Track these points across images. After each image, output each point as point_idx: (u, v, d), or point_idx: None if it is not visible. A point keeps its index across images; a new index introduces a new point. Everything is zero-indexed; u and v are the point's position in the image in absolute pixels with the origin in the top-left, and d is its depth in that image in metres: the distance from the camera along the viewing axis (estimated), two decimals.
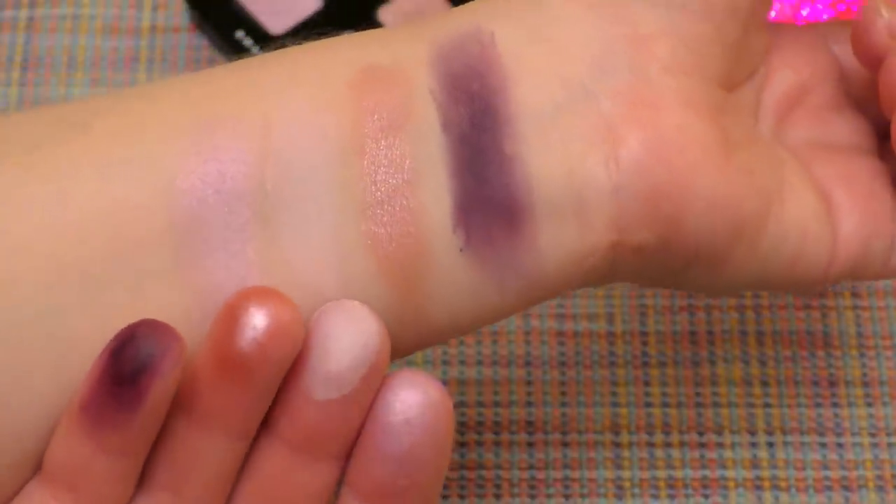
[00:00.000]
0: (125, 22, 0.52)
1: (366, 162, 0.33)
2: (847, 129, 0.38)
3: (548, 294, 0.34)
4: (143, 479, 0.32)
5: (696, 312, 0.48)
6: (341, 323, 0.31)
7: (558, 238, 0.33)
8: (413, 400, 0.32)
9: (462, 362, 0.47)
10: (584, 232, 0.33)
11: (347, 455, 0.32)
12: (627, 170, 0.33)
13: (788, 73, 0.38)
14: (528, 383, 0.47)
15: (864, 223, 0.37)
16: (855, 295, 0.48)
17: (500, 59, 0.34)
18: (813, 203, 0.36)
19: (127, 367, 0.30)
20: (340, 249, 0.32)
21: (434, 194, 0.33)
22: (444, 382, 0.47)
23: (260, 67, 0.34)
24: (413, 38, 0.34)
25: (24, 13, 0.52)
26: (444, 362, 0.47)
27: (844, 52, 0.38)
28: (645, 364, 0.47)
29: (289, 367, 0.31)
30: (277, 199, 0.32)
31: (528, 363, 0.47)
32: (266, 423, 0.32)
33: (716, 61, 0.35)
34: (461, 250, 0.33)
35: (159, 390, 0.31)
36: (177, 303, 0.32)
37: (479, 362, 0.47)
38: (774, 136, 0.37)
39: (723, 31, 0.35)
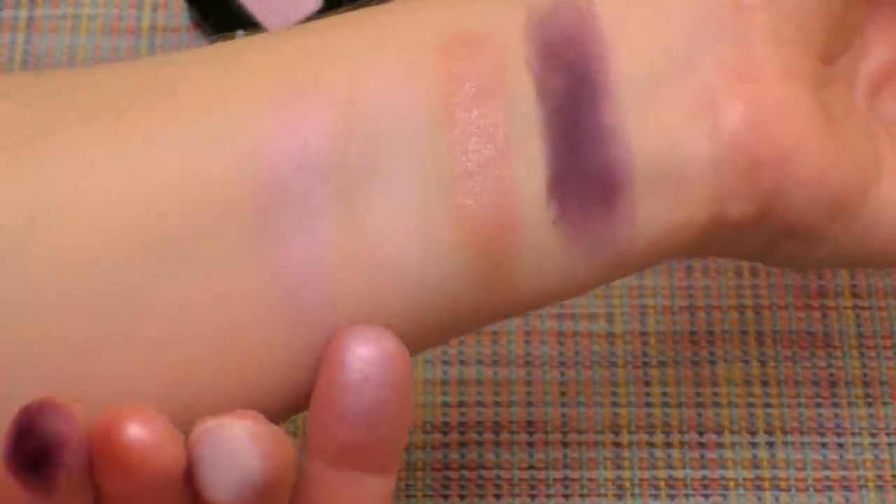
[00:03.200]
0: (125, 22, 0.52)
1: (457, 131, 0.32)
2: None
3: (639, 267, 0.34)
4: None
5: (696, 312, 0.48)
6: (221, 453, 0.30)
7: (655, 212, 0.33)
8: (370, 355, 0.31)
9: (462, 362, 0.47)
10: (683, 205, 0.33)
11: None
12: (729, 142, 0.33)
13: (883, 47, 0.37)
14: (528, 383, 0.47)
15: None
16: (855, 295, 0.48)
17: (598, 25, 0.33)
18: None
19: (28, 460, 0.29)
20: (425, 221, 0.32)
21: (527, 165, 0.32)
22: (444, 382, 0.47)
23: (346, 29, 0.33)
24: (506, 2, 0.33)
25: (24, 13, 0.52)
26: (444, 362, 0.47)
27: None
28: (645, 364, 0.47)
29: (180, 475, 0.30)
30: (361, 172, 0.31)
31: (528, 363, 0.47)
32: None
33: (818, 34, 0.34)
34: (554, 223, 0.32)
35: (66, 478, 0.29)
36: (251, 280, 0.31)
37: (479, 362, 0.47)
38: (867, 108, 0.37)
39: (825, 3, 0.34)
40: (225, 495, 0.30)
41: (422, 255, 0.32)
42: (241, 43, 0.33)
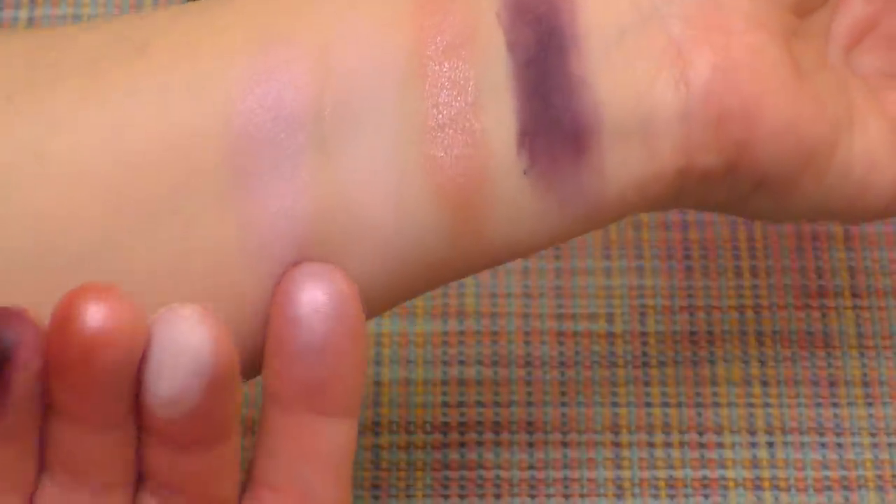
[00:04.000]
0: None
1: (427, 84, 0.32)
2: None
3: (609, 219, 0.34)
4: (42, 459, 0.31)
5: (696, 312, 0.48)
6: (169, 338, 0.29)
7: (624, 162, 0.33)
8: (318, 290, 0.31)
9: (462, 362, 0.47)
10: (651, 156, 0.33)
11: (233, 433, 0.31)
12: (697, 93, 0.33)
13: (860, 2, 0.37)
14: (528, 383, 0.47)
15: None
16: (855, 295, 0.48)
17: None
18: (884, 133, 0.36)
19: None
20: (398, 174, 0.32)
21: (498, 117, 0.32)
22: (444, 382, 0.47)
23: None
24: None
25: (24, 13, 0.52)
26: (444, 362, 0.47)
27: None
28: (645, 364, 0.47)
29: (135, 366, 0.30)
30: (335, 124, 0.32)
31: (528, 363, 0.47)
32: (138, 418, 0.31)
33: None
34: (525, 173, 0.32)
35: (22, 380, 0.29)
36: (230, 233, 0.31)
37: (479, 362, 0.47)
38: (844, 64, 0.37)
39: None
40: (171, 386, 0.29)
41: (395, 206, 0.32)
42: (213, 1, 0.33)
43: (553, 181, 0.32)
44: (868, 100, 0.36)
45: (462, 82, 0.32)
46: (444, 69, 0.32)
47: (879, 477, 0.45)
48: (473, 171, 0.32)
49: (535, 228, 0.33)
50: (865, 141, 0.35)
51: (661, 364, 0.47)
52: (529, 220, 0.33)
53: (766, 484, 0.45)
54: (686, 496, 0.45)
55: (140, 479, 0.32)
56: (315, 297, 0.31)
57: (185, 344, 0.29)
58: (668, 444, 0.46)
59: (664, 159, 0.33)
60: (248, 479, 0.33)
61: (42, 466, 0.31)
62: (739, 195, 0.35)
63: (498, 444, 0.46)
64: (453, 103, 0.32)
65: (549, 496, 0.45)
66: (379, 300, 0.33)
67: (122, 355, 0.29)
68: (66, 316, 0.29)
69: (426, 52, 0.32)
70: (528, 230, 0.33)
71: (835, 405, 0.46)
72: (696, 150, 0.33)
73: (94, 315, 0.29)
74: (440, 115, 0.32)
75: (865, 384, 0.47)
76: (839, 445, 0.46)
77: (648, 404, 0.46)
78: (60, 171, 0.31)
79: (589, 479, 0.45)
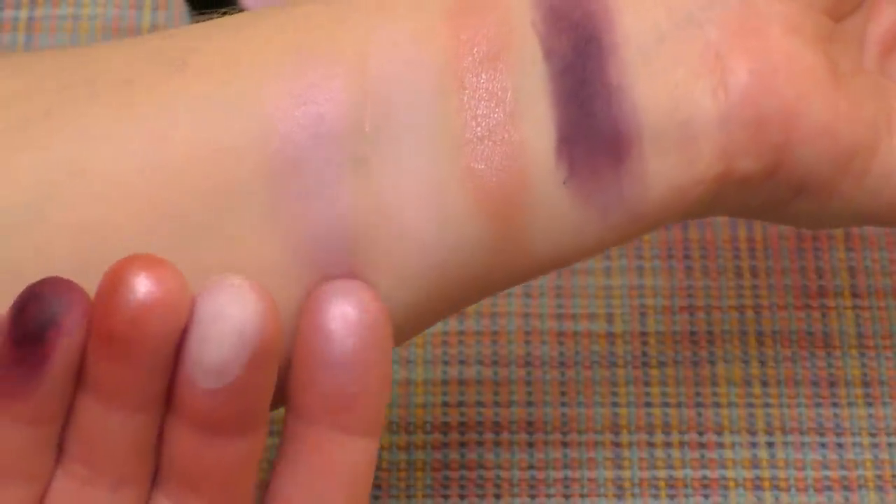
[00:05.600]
0: (125, 22, 0.52)
1: (465, 96, 0.32)
2: None
3: (651, 225, 0.34)
4: (60, 451, 0.31)
5: (696, 312, 0.48)
6: (217, 306, 0.30)
7: (664, 169, 0.33)
8: (350, 305, 0.31)
9: (462, 362, 0.47)
10: (691, 163, 0.33)
11: (262, 424, 0.31)
12: (735, 98, 0.33)
13: (893, 7, 0.37)
14: (528, 383, 0.47)
15: None
16: (855, 295, 0.48)
17: None
18: None
19: (31, 326, 0.29)
20: (438, 187, 0.32)
21: (536, 127, 0.32)
22: (444, 382, 0.47)
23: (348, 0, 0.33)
24: None
25: (24, 13, 0.52)
26: (444, 362, 0.47)
27: None
28: (645, 364, 0.47)
29: (178, 340, 0.30)
30: (374, 139, 0.32)
31: (528, 363, 0.47)
32: (170, 399, 0.31)
33: None
34: (564, 183, 0.32)
35: (65, 349, 0.29)
36: (272, 252, 0.31)
37: (479, 362, 0.47)
38: (879, 69, 0.37)
39: None
40: (217, 353, 0.30)
41: (436, 221, 0.32)
42: (247, 15, 0.33)
43: (593, 190, 0.32)
44: None
45: (500, 93, 0.32)
46: (482, 80, 0.32)
47: (879, 477, 0.45)
48: (513, 183, 0.32)
49: (577, 237, 0.33)
50: None
51: (661, 364, 0.47)
52: (571, 229, 0.33)
53: (766, 484, 0.45)
54: (686, 496, 0.45)
55: (154, 482, 0.32)
56: (345, 310, 0.31)
57: (235, 311, 0.29)
58: (668, 444, 0.46)
59: (704, 165, 0.33)
60: (264, 491, 0.33)
61: (58, 458, 0.31)
62: (779, 200, 0.35)
63: (498, 444, 0.46)
64: (491, 115, 0.32)
65: (549, 496, 0.45)
66: (423, 315, 0.33)
67: (168, 325, 0.29)
68: (113, 285, 0.29)
69: (463, 64, 0.32)
70: (569, 239, 0.33)
71: (835, 405, 0.46)
72: (735, 155, 0.33)
73: (143, 283, 0.29)
74: (479, 127, 0.32)
75: (865, 384, 0.47)
76: (839, 445, 0.46)
77: (648, 404, 0.46)
78: (99, 186, 0.31)
79: (589, 479, 0.45)
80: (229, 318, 0.29)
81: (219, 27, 0.33)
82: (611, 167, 0.32)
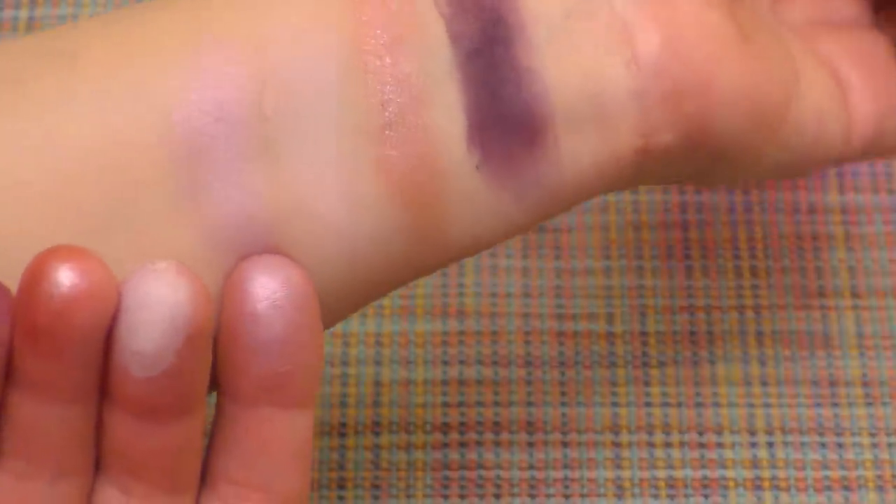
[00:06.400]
0: None
1: (370, 80, 0.31)
2: (843, 2, 0.38)
3: (571, 203, 0.33)
4: None
5: (695, 312, 0.48)
6: (146, 292, 0.29)
7: (580, 148, 0.32)
8: (274, 283, 0.30)
9: (462, 362, 0.47)
10: (607, 140, 0.32)
11: (200, 405, 0.31)
12: (647, 70, 0.32)
13: None
14: (528, 383, 0.47)
15: (877, 100, 0.36)
16: (855, 295, 0.48)
17: None
18: (826, 83, 0.35)
19: None
20: (348, 173, 0.31)
21: (446, 112, 0.32)
22: (444, 382, 0.47)
23: None
24: None
25: (24, 13, 0.52)
26: (444, 362, 0.47)
27: None
28: (645, 364, 0.47)
29: (107, 329, 0.29)
30: (279, 124, 0.31)
31: (528, 363, 0.47)
32: (105, 388, 0.30)
33: None
34: (477, 168, 0.32)
35: None
36: (184, 241, 0.31)
37: (479, 362, 0.47)
38: (775, 16, 0.37)
39: None
40: (149, 339, 0.29)
41: (349, 209, 0.31)
42: (145, 4, 0.33)
43: (508, 175, 0.32)
44: (805, 52, 0.36)
45: (405, 77, 0.31)
46: (387, 64, 0.31)
47: (879, 477, 0.45)
48: (426, 168, 0.31)
49: (494, 221, 0.32)
50: (813, 93, 0.35)
51: (661, 364, 0.47)
52: (488, 214, 0.32)
53: (766, 484, 0.45)
54: (686, 496, 0.45)
55: (97, 469, 0.31)
56: (271, 289, 0.30)
57: (164, 296, 0.29)
58: (668, 444, 0.46)
59: (621, 140, 0.33)
60: (205, 473, 0.32)
61: None
62: (701, 167, 0.34)
63: (498, 444, 0.46)
64: (398, 99, 0.31)
65: (549, 496, 0.45)
66: (344, 302, 0.33)
67: (95, 316, 0.29)
68: (35, 279, 0.28)
69: (366, 48, 0.31)
70: (487, 224, 0.32)
71: (835, 405, 0.46)
72: (653, 129, 0.33)
73: (66, 275, 0.28)
74: (387, 112, 0.31)
75: (865, 384, 0.47)
76: (839, 445, 0.46)
77: (648, 404, 0.46)
78: None
79: (589, 479, 0.45)
80: (158, 304, 0.29)
81: (114, 19, 0.32)
82: (524, 150, 0.32)
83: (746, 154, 0.34)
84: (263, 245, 0.31)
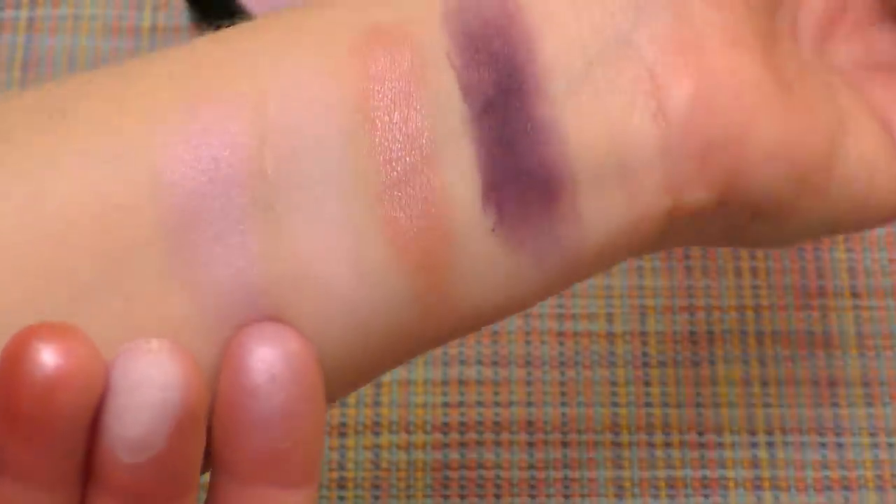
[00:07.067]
0: (125, 22, 0.52)
1: (378, 138, 0.29)
2: (892, 43, 0.35)
3: (596, 268, 0.31)
4: None
5: (696, 313, 0.48)
6: (135, 375, 0.27)
7: (604, 208, 0.30)
8: (273, 355, 0.28)
9: (462, 362, 0.47)
10: (633, 199, 0.30)
11: (193, 488, 0.29)
12: (676, 125, 0.30)
13: None
14: (528, 383, 0.47)
15: None
16: (855, 295, 0.48)
17: (521, 10, 0.30)
18: (877, 133, 0.33)
19: None
20: (354, 237, 0.29)
21: (458, 171, 0.29)
22: (444, 383, 0.47)
23: (251, 35, 0.31)
24: None
25: (24, 13, 0.52)
26: (444, 363, 0.47)
27: None
28: (645, 364, 0.47)
29: (93, 412, 0.27)
30: (279, 183, 0.29)
31: (528, 363, 0.47)
32: (90, 470, 0.28)
33: None
34: (493, 231, 0.29)
35: None
36: (175, 308, 0.28)
37: (479, 362, 0.47)
38: (821, 62, 0.34)
39: None
40: (137, 424, 0.27)
41: (354, 272, 0.29)
42: (140, 59, 0.31)
43: (525, 237, 0.30)
44: (855, 99, 0.33)
45: (415, 134, 0.29)
46: (395, 120, 0.29)
47: (879, 477, 0.45)
48: (436, 231, 0.29)
49: (511, 288, 0.30)
50: (862, 146, 0.32)
51: (661, 364, 0.47)
52: (503, 279, 0.30)
53: (766, 484, 0.45)
54: (686, 496, 0.45)
55: None
56: (269, 362, 0.28)
57: (154, 379, 0.27)
58: (668, 444, 0.46)
59: (648, 201, 0.30)
60: None
61: None
62: (736, 226, 0.32)
63: (498, 444, 0.46)
64: (407, 158, 0.29)
65: (549, 496, 0.45)
66: (350, 374, 0.31)
67: (81, 399, 0.27)
68: (16, 359, 0.26)
69: (373, 102, 0.29)
70: (503, 291, 0.30)
71: (835, 405, 0.46)
72: (682, 187, 0.30)
73: (49, 355, 0.26)
74: (395, 172, 0.29)
75: (865, 384, 0.47)
76: (839, 445, 0.46)
77: (648, 404, 0.46)
78: None
79: (589, 479, 0.45)
80: (148, 387, 0.27)
81: (103, 75, 0.30)
82: (542, 211, 0.30)
83: (786, 212, 0.32)
84: (262, 313, 0.29)
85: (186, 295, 0.29)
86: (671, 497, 0.45)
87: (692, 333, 0.47)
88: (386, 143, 0.29)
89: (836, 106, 0.33)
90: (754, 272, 0.48)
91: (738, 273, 0.48)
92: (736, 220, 0.32)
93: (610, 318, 0.48)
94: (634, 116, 0.30)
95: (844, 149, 0.32)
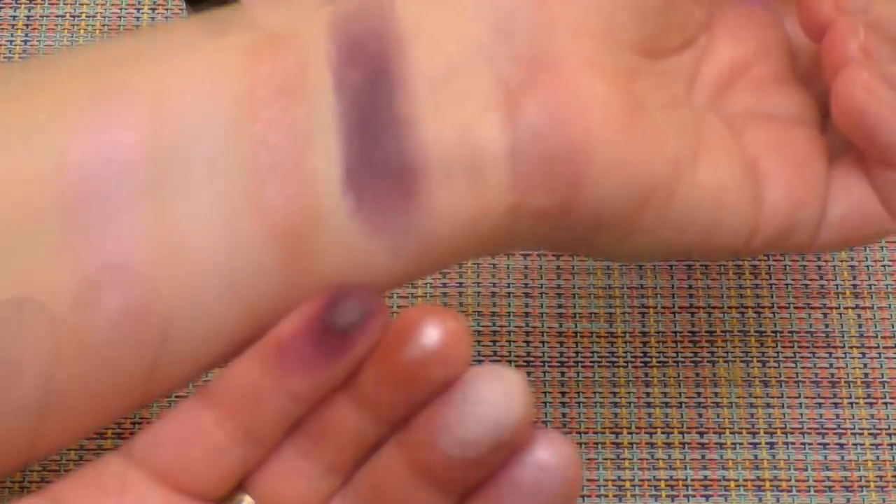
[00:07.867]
0: (124, 21, 0.52)
1: (258, 126, 0.32)
2: (790, 101, 0.38)
3: (446, 259, 0.34)
4: (293, 428, 0.33)
5: (696, 313, 0.48)
6: (489, 391, 0.32)
7: (453, 201, 0.33)
8: (549, 461, 0.32)
9: None
10: (480, 195, 0.33)
11: (468, 495, 0.33)
12: (523, 133, 0.33)
13: (732, 44, 0.38)
14: (528, 383, 0.46)
15: (792, 191, 0.36)
16: (856, 295, 0.48)
17: (399, 22, 0.33)
18: (733, 170, 0.35)
19: (341, 319, 0.32)
20: (230, 213, 0.32)
21: (326, 158, 0.32)
22: None
23: (161, 36, 0.34)
24: (316, 3, 0.34)
25: (22, 12, 0.52)
26: None
27: (796, 27, 0.39)
28: (645, 364, 0.47)
29: (442, 388, 0.32)
30: (169, 168, 0.32)
31: (528, 363, 0.47)
32: (404, 430, 0.33)
33: (630, 27, 0.35)
34: (352, 215, 0.33)
35: (361, 349, 0.32)
36: (64, 282, 0.32)
37: (479, 362, 0.47)
38: (711, 105, 0.37)
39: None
40: (467, 431, 0.32)
41: (229, 248, 0.32)
42: (53, 56, 0.34)
43: (381, 222, 0.33)
44: (723, 138, 0.36)
45: (290, 123, 0.32)
46: (275, 111, 0.33)
47: (881, 477, 0.45)
48: (302, 212, 0.32)
49: (368, 269, 0.33)
50: (713, 179, 0.35)
51: (662, 364, 0.47)
52: (361, 260, 0.33)
53: (768, 485, 0.45)
54: (687, 497, 0.45)
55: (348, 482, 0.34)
56: (543, 470, 0.32)
57: (499, 402, 0.32)
58: (668, 445, 0.46)
59: (493, 198, 0.33)
60: None
61: (288, 432, 0.33)
62: (579, 235, 0.35)
63: None
64: (283, 144, 0.32)
65: None
66: (225, 345, 0.34)
67: (442, 375, 0.32)
68: (410, 325, 0.32)
69: (257, 96, 0.33)
70: (360, 271, 0.33)
71: (836, 405, 0.46)
72: (526, 190, 0.33)
73: (433, 333, 0.32)
74: (269, 156, 0.32)
75: (867, 384, 0.47)
76: (840, 446, 0.46)
77: (649, 404, 0.46)
78: None
79: (589, 480, 0.45)
80: (494, 406, 0.32)
81: (26, 66, 0.34)
82: (399, 199, 0.33)
83: (628, 227, 0.34)
84: (143, 286, 0.32)
85: (71, 267, 0.32)
86: (672, 498, 0.45)
87: (693, 333, 0.47)
88: (264, 130, 0.32)
89: (696, 139, 0.35)
90: (755, 272, 0.48)
91: (739, 273, 0.48)
92: (581, 228, 0.34)
93: (610, 318, 0.48)
94: (485, 122, 0.33)
95: (691, 177, 0.35)
